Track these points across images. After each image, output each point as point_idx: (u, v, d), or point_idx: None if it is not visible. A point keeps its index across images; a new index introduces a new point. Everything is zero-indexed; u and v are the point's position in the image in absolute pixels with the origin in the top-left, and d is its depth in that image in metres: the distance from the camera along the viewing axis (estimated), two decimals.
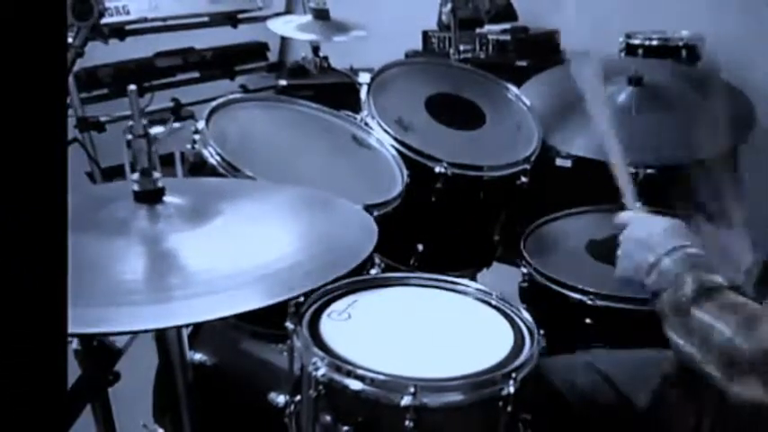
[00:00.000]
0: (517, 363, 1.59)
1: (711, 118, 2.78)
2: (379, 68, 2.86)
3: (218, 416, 2.03)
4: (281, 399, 1.86)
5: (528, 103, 2.97)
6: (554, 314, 2.14)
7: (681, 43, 4.13)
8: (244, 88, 5.32)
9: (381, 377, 1.53)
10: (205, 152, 2.18)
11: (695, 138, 2.72)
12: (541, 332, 1.71)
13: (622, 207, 2.08)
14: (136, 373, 2.11)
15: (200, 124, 2.26)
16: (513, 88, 3.04)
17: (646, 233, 1.72)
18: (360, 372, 1.54)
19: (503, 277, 2.72)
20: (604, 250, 2.50)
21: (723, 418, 1.63)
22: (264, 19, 4.82)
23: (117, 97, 4.96)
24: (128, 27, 4.93)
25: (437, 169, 2.48)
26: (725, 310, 1.50)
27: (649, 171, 2.70)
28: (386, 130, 2.56)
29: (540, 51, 4.58)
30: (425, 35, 4.93)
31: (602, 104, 2.13)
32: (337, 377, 1.56)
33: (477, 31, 4.73)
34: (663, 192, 2.66)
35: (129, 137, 1.58)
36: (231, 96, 2.51)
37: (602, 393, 1.88)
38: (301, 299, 1.74)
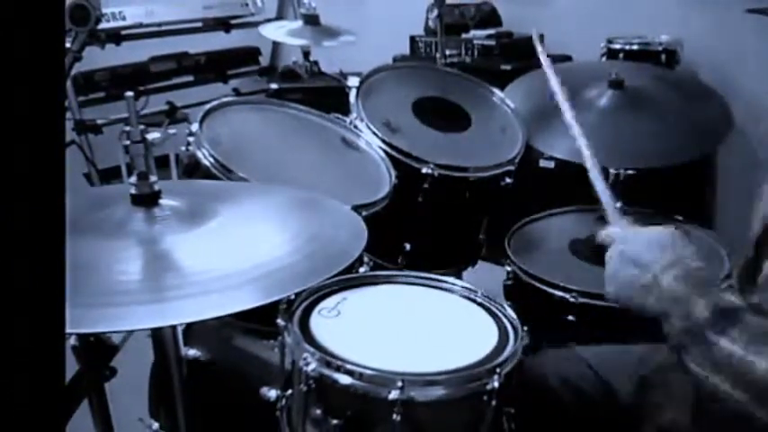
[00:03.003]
0: (501, 358, 1.60)
1: (690, 120, 2.79)
2: (367, 72, 2.86)
3: (211, 410, 2.03)
4: (272, 393, 1.86)
5: (512, 105, 2.97)
6: (538, 311, 2.14)
7: (660, 48, 4.15)
8: (236, 92, 5.32)
9: (370, 372, 1.53)
10: (199, 154, 2.17)
11: (674, 140, 2.73)
12: (525, 329, 1.71)
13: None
14: (132, 368, 2.11)
15: (195, 127, 2.25)
16: (497, 92, 3.04)
17: (634, 249, 1.58)
18: (349, 367, 1.54)
19: (488, 275, 2.72)
20: (586, 249, 2.51)
21: (706, 413, 1.62)
22: (256, 24, 4.82)
23: (113, 100, 4.96)
24: (124, 32, 4.93)
25: (424, 170, 2.48)
26: (757, 338, 1.34)
27: (629, 172, 2.71)
28: (374, 133, 2.56)
29: (524, 56, 4.58)
30: (413, 40, 4.93)
31: (571, 113, 2.06)
32: (327, 372, 1.56)
33: (463, 36, 4.73)
34: (642, 193, 2.67)
35: (127, 142, 1.58)
36: (224, 100, 2.51)
37: (588, 384, 1.88)
38: (292, 296, 1.74)
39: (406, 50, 4.96)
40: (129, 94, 1.61)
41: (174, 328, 1.79)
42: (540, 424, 1.80)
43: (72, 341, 1.93)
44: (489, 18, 4.92)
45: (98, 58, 4.77)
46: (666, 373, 1.73)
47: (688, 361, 1.42)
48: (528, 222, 2.75)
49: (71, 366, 1.92)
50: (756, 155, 4.09)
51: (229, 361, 2.17)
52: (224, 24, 5.55)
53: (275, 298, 1.47)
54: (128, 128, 1.58)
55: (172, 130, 1.72)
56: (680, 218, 2.69)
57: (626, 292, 1.56)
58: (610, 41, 4.20)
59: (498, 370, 1.56)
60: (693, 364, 1.41)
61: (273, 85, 4.89)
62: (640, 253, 1.56)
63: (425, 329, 1.76)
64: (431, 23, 4.77)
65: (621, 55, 4.12)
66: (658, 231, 1.61)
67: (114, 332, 1.98)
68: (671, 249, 1.55)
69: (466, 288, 1.90)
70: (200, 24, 5.45)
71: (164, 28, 5.21)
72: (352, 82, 2.80)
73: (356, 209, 2.01)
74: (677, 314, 1.44)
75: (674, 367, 1.51)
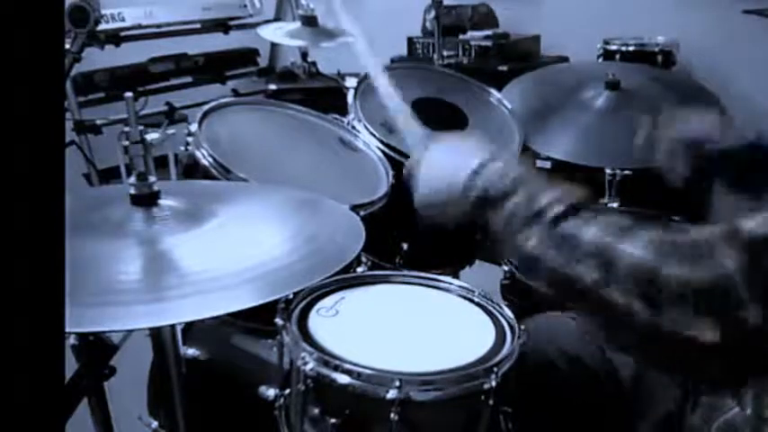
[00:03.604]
0: (499, 357, 1.60)
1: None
2: (365, 73, 2.86)
3: (210, 408, 2.03)
4: (270, 392, 1.85)
5: (509, 106, 2.97)
6: (534, 310, 2.14)
7: (656, 49, 4.16)
8: (235, 92, 5.32)
9: (368, 371, 1.53)
10: (198, 154, 2.17)
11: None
12: (522, 328, 1.71)
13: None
14: (131, 367, 2.11)
15: (193, 127, 2.25)
16: (494, 92, 3.04)
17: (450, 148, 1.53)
18: (347, 366, 1.54)
19: (485, 275, 2.72)
20: None
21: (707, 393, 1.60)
22: (255, 26, 4.82)
23: (113, 101, 4.96)
24: (123, 33, 4.93)
25: None
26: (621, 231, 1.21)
27: (626, 173, 2.71)
28: (372, 133, 2.56)
29: (520, 57, 4.59)
30: (410, 41, 4.94)
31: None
32: (325, 371, 1.56)
33: (460, 37, 4.74)
34: (639, 193, 2.68)
35: (126, 143, 1.58)
36: (223, 100, 2.51)
37: (589, 355, 1.87)
38: (291, 296, 1.74)
39: (404, 51, 4.96)
40: (129, 94, 1.61)
41: (172, 327, 1.79)
42: (538, 412, 1.80)
43: (72, 340, 1.93)
44: (486, 19, 4.93)
45: (97, 59, 4.77)
46: None
47: (517, 240, 1.33)
48: None
49: (71, 365, 1.92)
50: None
51: (228, 360, 2.17)
52: (222, 26, 5.56)
53: (273, 297, 1.48)
54: (127, 128, 1.58)
55: (171, 131, 1.71)
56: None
57: (442, 184, 1.49)
58: (606, 43, 4.21)
59: (495, 369, 1.56)
60: (529, 241, 1.30)
61: (272, 86, 4.90)
62: (459, 149, 1.52)
63: (423, 329, 1.76)
64: (428, 25, 4.78)
65: (618, 56, 4.13)
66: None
67: (113, 331, 1.98)
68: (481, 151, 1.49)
69: (463, 288, 1.90)
70: (198, 26, 5.46)
71: (163, 29, 5.22)
72: (350, 83, 2.80)
73: (354, 209, 2.01)
74: (518, 199, 1.35)
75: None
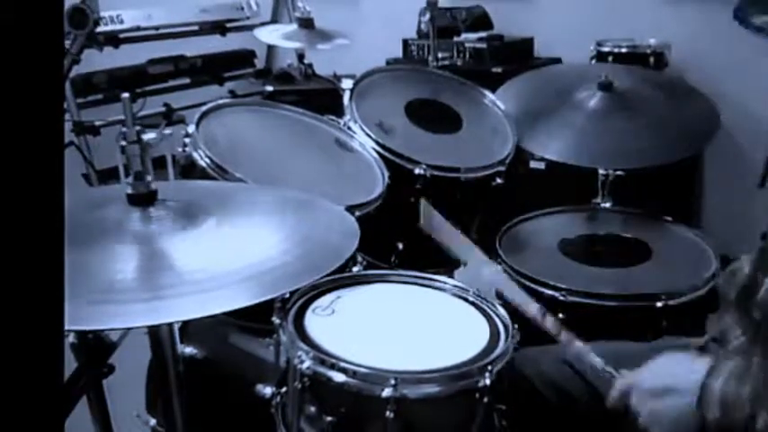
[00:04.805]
0: (493, 356, 1.60)
1: (678, 121, 2.79)
2: (361, 75, 2.86)
3: (207, 406, 2.03)
4: (267, 390, 1.86)
5: (503, 107, 2.97)
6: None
7: (649, 51, 4.16)
8: (232, 94, 5.31)
9: (363, 370, 1.53)
10: (195, 155, 2.17)
11: (663, 141, 2.74)
12: (516, 327, 1.71)
13: (593, 207, 2.07)
14: (129, 365, 2.11)
15: (191, 128, 2.25)
16: (488, 94, 3.04)
17: (659, 377, 1.53)
18: (343, 365, 1.55)
19: (479, 274, 2.72)
20: (576, 249, 2.51)
21: None
22: (252, 28, 4.81)
23: (111, 102, 4.95)
24: (121, 35, 4.92)
25: (416, 171, 2.48)
26: None
27: (618, 173, 2.72)
28: (367, 134, 2.56)
29: (514, 58, 4.59)
30: (405, 43, 4.93)
31: None
32: (321, 370, 1.56)
33: (455, 39, 4.73)
34: (631, 193, 2.68)
35: (124, 143, 1.58)
36: (220, 101, 2.51)
37: (571, 385, 1.87)
38: (287, 295, 1.74)
39: (399, 53, 4.96)
40: (125, 94, 1.61)
41: (170, 325, 1.79)
42: (529, 422, 1.80)
43: (71, 338, 1.93)
44: (480, 21, 4.92)
45: (96, 61, 4.76)
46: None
47: None
48: (518, 222, 2.75)
49: (70, 363, 1.92)
50: (742, 155, 4.10)
51: (225, 358, 2.17)
52: (220, 28, 5.55)
53: (270, 296, 1.47)
54: (124, 129, 1.57)
55: (168, 131, 1.71)
56: (668, 218, 2.69)
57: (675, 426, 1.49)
58: (599, 44, 4.21)
59: (490, 368, 1.57)
60: None
61: (268, 88, 4.89)
62: (666, 376, 1.52)
63: (418, 328, 1.77)
64: (423, 27, 4.77)
65: (611, 58, 4.12)
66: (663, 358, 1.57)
67: (112, 330, 1.98)
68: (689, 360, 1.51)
69: (458, 287, 1.91)
70: (196, 28, 5.45)
71: (161, 31, 5.21)
72: (346, 84, 2.81)
73: (350, 209, 2.02)
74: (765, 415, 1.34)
75: None
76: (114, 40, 4.86)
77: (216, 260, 1.51)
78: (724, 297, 1.58)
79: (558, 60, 4.64)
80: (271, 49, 6.05)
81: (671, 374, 1.52)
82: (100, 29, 4.29)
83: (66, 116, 4.67)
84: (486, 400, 1.57)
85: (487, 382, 1.55)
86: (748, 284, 1.47)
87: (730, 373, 1.41)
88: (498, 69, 4.36)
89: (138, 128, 1.58)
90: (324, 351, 1.60)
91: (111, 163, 4.50)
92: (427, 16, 3.75)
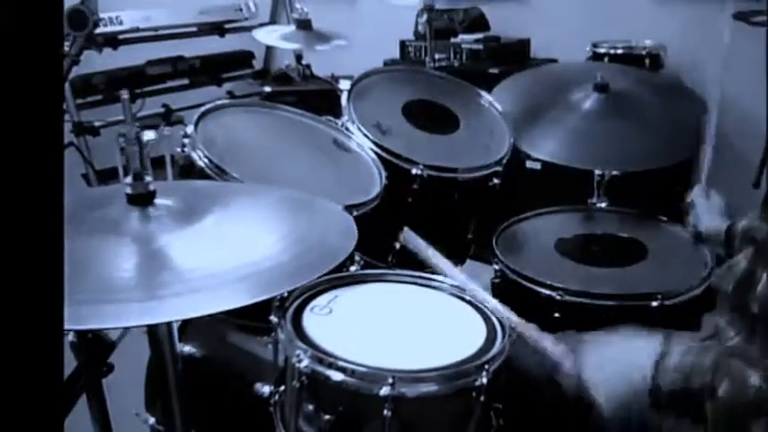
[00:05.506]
0: (489, 355, 1.60)
1: (673, 122, 2.79)
2: (358, 76, 2.86)
3: (206, 405, 2.03)
4: (266, 389, 1.86)
5: (499, 108, 2.97)
6: (524, 309, 2.14)
7: (644, 52, 4.16)
8: (231, 94, 5.31)
9: (361, 369, 1.53)
10: (194, 155, 2.17)
11: (658, 141, 2.74)
12: (512, 326, 1.71)
13: (590, 207, 2.07)
14: (128, 364, 2.11)
15: (190, 129, 2.25)
16: (485, 94, 3.04)
17: (618, 350, 1.57)
18: (341, 363, 1.55)
19: (476, 274, 2.72)
20: (572, 248, 2.51)
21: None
22: (250, 29, 4.80)
23: (110, 103, 4.96)
24: (121, 37, 4.92)
25: (414, 171, 2.48)
26: None
27: (614, 174, 2.72)
28: (365, 135, 2.56)
29: (511, 59, 4.59)
30: (403, 44, 4.93)
31: None
32: (319, 368, 1.56)
33: (452, 40, 4.74)
34: (627, 194, 2.68)
35: (123, 143, 1.58)
36: (219, 102, 2.51)
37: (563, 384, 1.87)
38: (285, 294, 1.74)
39: (397, 54, 4.96)
40: (124, 93, 1.61)
41: (169, 324, 1.79)
42: (525, 419, 1.80)
43: (70, 338, 1.93)
44: (477, 23, 4.93)
45: (95, 62, 4.77)
46: None
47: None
48: (515, 222, 2.74)
49: (69, 362, 1.92)
50: (738, 156, 4.10)
51: (224, 357, 2.18)
52: (218, 29, 5.55)
53: (268, 296, 1.48)
54: (123, 129, 1.57)
55: (167, 132, 1.71)
56: (664, 218, 2.69)
57: (617, 395, 1.52)
58: (595, 45, 4.21)
59: (487, 366, 1.57)
60: None
61: (267, 88, 4.90)
62: (622, 350, 1.56)
63: (415, 327, 1.77)
64: (420, 28, 4.77)
65: (606, 59, 4.12)
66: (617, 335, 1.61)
67: (111, 329, 1.98)
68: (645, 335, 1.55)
69: (454, 286, 1.90)
70: (195, 29, 5.45)
71: (160, 32, 5.21)
72: (344, 85, 2.80)
73: (347, 209, 2.01)
74: (726, 387, 1.36)
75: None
76: (113, 41, 4.86)
77: (214, 259, 1.51)
78: (720, 291, 1.58)
79: (554, 62, 4.65)
80: (269, 50, 6.05)
81: (627, 348, 1.57)
82: (99, 30, 4.29)
83: (66, 117, 4.68)
84: (482, 398, 1.57)
85: (484, 380, 1.55)
86: (746, 279, 1.50)
87: (689, 346, 1.46)
88: (495, 70, 4.35)
89: (137, 127, 1.58)
90: (322, 350, 1.60)
91: (110, 163, 4.50)
92: (424, 18, 3.75)
